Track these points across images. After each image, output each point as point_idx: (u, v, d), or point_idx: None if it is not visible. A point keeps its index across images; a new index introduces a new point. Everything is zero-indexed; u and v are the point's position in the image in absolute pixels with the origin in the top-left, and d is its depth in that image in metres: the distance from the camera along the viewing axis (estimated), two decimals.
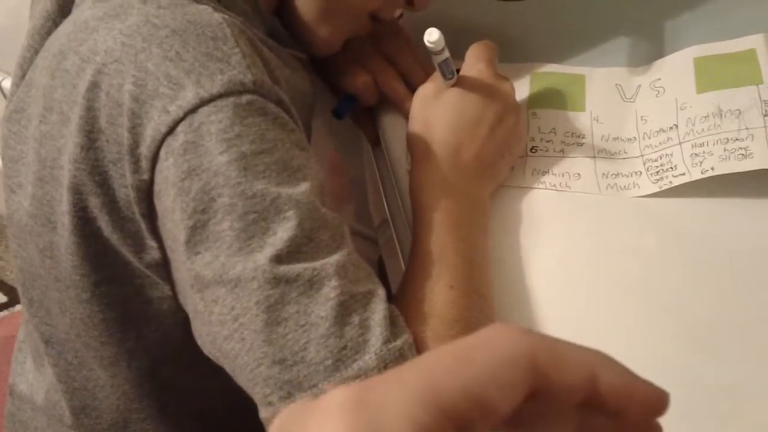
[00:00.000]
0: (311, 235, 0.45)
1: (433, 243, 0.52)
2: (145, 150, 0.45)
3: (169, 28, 0.46)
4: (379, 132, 0.67)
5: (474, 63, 0.60)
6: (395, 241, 0.67)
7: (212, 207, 0.44)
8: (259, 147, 0.45)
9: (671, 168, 0.58)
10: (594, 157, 0.61)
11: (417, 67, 0.65)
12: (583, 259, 0.56)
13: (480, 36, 0.62)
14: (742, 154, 0.55)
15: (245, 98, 0.45)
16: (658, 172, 0.59)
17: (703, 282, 0.54)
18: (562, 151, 0.62)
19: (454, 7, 0.72)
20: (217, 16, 0.48)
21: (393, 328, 0.44)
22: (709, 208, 0.57)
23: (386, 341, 0.43)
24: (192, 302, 0.47)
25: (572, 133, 0.62)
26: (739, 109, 0.58)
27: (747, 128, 0.57)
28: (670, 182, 0.57)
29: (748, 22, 0.66)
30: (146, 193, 0.47)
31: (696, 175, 0.56)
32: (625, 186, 0.59)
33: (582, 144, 0.62)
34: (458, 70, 0.59)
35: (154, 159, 0.45)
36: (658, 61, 0.65)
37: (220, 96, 0.45)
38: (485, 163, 0.57)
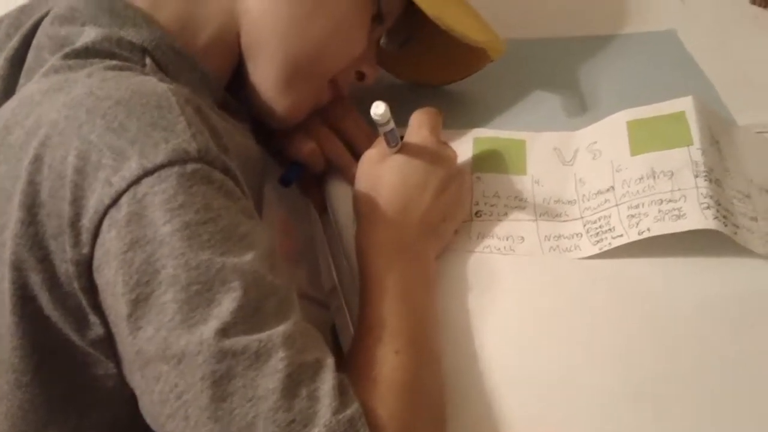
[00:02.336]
0: (257, 305, 0.44)
1: (379, 307, 0.53)
2: (86, 222, 0.45)
3: (112, 99, 0.47)
4: (325, 199, 0.68)
5: (417, 130, 0.61)
6: (344, 308, 0.67)
7: (156, 279, 0.44)
8: (204, 216, 0.45)
9: (610, 230, 0.60)
10: (536, 219, 0.63)
11: (361, 134, 0.67)
12: (529, 321, 0.57)
13: (422, 102, 0.64)
14: (676, 215, 0.58)
15: (190, 167, 0.45)
16: (597, 233, 0.61)
17: (648, 339, 0.55)
18: (506, 214, 0.63)
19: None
20: (163, 86, 0.49)
21: (342, 397, 0.44)
22: (650, 267, 0.59)
23: (335, 412, 0.43)
24: (135, 379, 0.46)
25: (515, 197, 0.65)
26: (671, 171, 0.61)
27: (680, 189, 0.59)
28: (610, 243, 0.59)
29: (676, 85, 0.70)
30: (86, 267, 0.46)
31: (633, 236, 0.58)
32: (567, 248, 0.61)
33: (524, 207, 0.64)
34: (402, 137, 0.61)
35: (96, 232, 0.45)
36: (594, 125, 0.68)
37: (164, 166, 0.45)
38: (430, 225, 0.59)
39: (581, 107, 0.72)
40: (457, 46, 0.66)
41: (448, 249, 0.61)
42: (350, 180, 0.65)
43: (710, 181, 0.59)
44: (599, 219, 0.61)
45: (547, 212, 0.63)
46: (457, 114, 0.70)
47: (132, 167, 0.45)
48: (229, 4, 0.58)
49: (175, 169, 0.45)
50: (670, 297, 0.58)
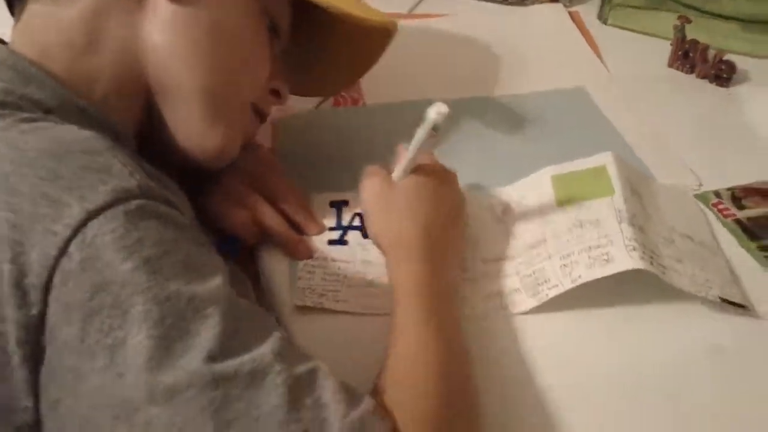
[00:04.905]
0: (237, 327, 0.45)
1: (410, 328, 0.54)
2: (34, 279, 0.43)
3: (36, 148, 0.46)
4: (258, 269, 0.68)
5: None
6: None
7: (127, 320, 0.43)
8: (160, 249, 0.45)
9: (545, 281, 0.62)
10: (476, 279, 0.65)
11: (293, 200, 0.69)
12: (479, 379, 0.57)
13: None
14: (605, 260, 0.61)
15: (134, 204, 0.45)
16: (534, 286, 0.63)
17: (597, 392, 0.57)
18: None
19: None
20: (85, 132, 0.49)
21: (347, 399, 0.45)
22: (591, 320, 0.61)
23: (344, 416, 0.44)
24: None
25: None
26: (597, 219, 0.64)
27: (606, 235, 0.62)
28: (547, 295, 0.62)
29: (590, 142, 0.74)
30: (35, 331, 0.44)
31: (567, 284, 0.61)
32: (506, 304, 0.63)
33: (465, 268, 0.66)
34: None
35: (47, 287, 0.43)
36: (520, 181, 0.72)
37: (108, 206, 0.44)
38: (450, 242, 0.62)
39: (503, 164, 0.75)
40: (351, 41, 0.69)
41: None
42: (289, 252, 0.67)
43: (634, 226, 0.63)
44: (534, 272, 0.64)
45: (486, 271, 0.66)
46: None
47: (74, 212, 0.44)
48: (129, 46, 0.57)
49: (120, 208, 0.45)
50: (610, 349, 0.60)
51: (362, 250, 0.68)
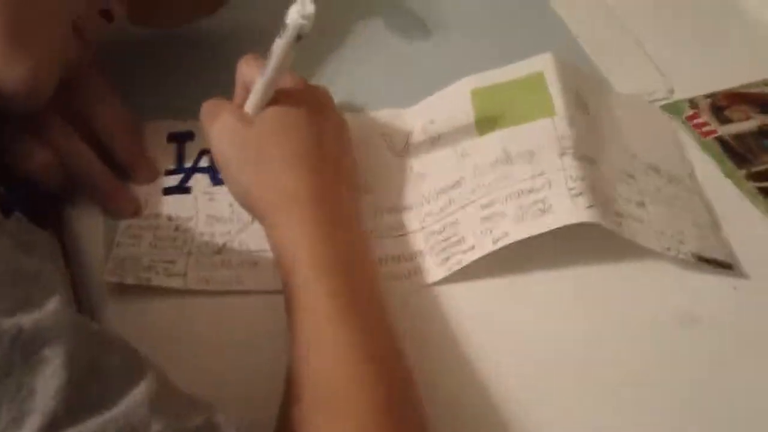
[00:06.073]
0: (93, 366, 0.35)
1: (327, 333, 0.42)
2: None
3: None
4: (63, 231, 0.54)
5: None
6: None
7: None
8: None
9: (459, 241, 0.48)
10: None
11: (119, 133, 0.54)
12: None
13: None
14: (540, 209, 0.47)
15: None
16: (444, 248, 0.49)
17: (547, 378, 0.45)
18: None
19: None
20: None
21: None
22: (524, 289, 0.48)
23: None
24: None
25: None
26: (531, 150, 0.50)
27: (542, 173, 0.48)
28: (460, 261, 0.48)
29: (533, 44, 0.59)
30: None
31: (488, 246, 0.47)
32: (407, 273, 0.49)
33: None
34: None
35: None
36: (431, 98, 0.58)
37: None
38: (346, 170, 0.51)
39: (414, 76, 0.62)
40: None
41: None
42: (107, 206, 0.53)
43: (581, 160, 0.49)
44: (444, 228, 0.50)
45: (378, 227, 0.51)
46: None
47: None
48: None
49: None
50: (556, 325, 0.47)
51: (208, 200, 0.54)
